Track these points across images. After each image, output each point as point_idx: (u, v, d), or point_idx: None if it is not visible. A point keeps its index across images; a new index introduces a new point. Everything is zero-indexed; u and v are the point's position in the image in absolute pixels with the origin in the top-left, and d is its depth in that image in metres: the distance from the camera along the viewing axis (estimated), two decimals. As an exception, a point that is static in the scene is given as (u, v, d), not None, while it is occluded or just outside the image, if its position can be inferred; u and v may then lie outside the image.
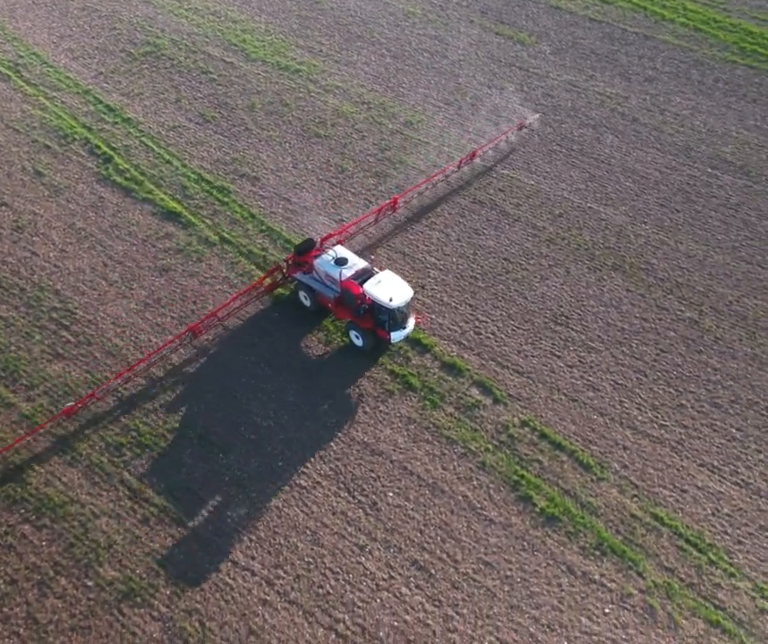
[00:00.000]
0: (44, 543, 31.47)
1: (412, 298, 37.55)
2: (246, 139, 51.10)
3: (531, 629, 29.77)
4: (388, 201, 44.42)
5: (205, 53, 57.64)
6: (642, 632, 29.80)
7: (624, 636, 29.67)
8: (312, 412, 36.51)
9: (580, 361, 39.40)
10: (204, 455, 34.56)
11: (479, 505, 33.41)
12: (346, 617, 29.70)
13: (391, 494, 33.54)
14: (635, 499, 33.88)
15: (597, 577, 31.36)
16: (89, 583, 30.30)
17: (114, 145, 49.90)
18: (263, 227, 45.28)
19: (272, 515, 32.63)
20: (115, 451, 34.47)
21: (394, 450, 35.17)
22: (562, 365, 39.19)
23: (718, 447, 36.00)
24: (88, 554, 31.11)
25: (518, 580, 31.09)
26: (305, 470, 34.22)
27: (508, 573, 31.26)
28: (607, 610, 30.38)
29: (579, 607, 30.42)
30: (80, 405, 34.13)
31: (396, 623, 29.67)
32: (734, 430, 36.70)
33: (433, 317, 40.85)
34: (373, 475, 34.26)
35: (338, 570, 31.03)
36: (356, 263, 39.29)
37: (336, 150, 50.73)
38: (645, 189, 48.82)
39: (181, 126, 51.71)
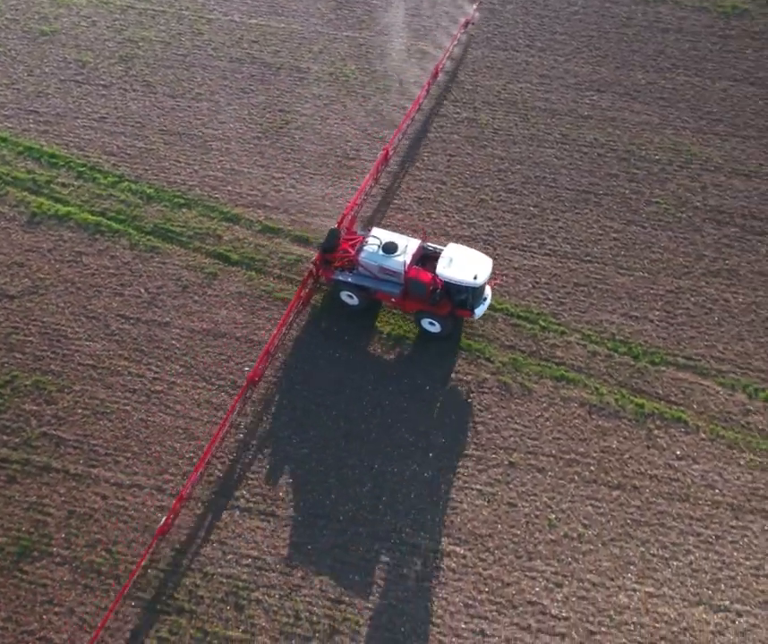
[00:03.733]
0: None
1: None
2: (-36, 58, 49.19)
3: (409, 439, 34.52)
4: (381, 154, 42.86)
5: None
6: (503, 407, 35.45)
7: (490, 415, 35.19)
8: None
9: (384, 191, 43.43)
10: (46, 395, 35.69)
11: (333, 342, 37.24)
12: (245, 492, 32.95)
13: (247, 368, 36.56)
14: (466, 297, 39.08)
15: (453, 376, 36.51)
16: (-23, 559, 31.46)
17: None
18: (20, 148, 44.79)
19: (139, 427, 34.72)
20: (-50, 425, 34.85)
21: (235, 327, 37.95)
22: (371, 199, 43.05)
23: (522, 228, 41.80)
24: (-37, 533, 32.04)
25: (387, 402, 35.56)
26: (157, 372, 36.34)
27: (386, 402, 35.58)
28: (469, 399, 35.71)
29: (447, 406, 35.48)
30: (173, 516, 31.83)
31: (298, 478, 33.41)
32: (532, 208, 42.62)
33: (230, 188, 43.13)
34: (224, 358, 36.99)
35: (222, 454, 33.97)
36: (407, 244, 36.50)
37: (69, 45, 50.16)
38: (389, 6, 52.78)
39: None
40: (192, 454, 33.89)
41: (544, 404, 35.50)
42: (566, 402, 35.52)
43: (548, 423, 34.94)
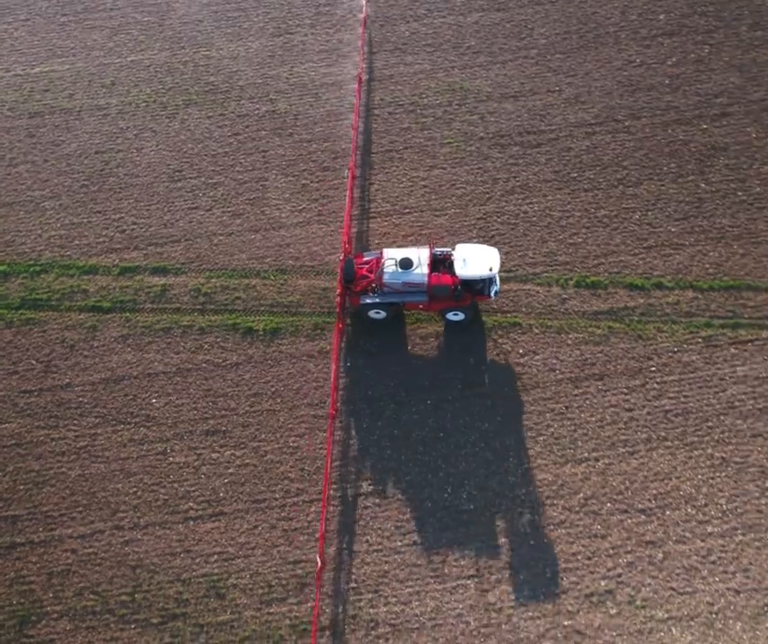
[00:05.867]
0: None
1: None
2: None
3: (311, 414, 43.82)
4: (349, 175, 49.89)
5: None
6: (375, 362, 45.35)
7: (368, 371, 44.93)
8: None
9: (213, 201, 51.44)
10: None
11: (220, 360, 45.56)
12: (191, 503, 41.39)
13: (154, 400, 44.39)
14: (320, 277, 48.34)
15: (327, 347, 45.87)
16: (-18, 641, 38.43)
17: None
18: None
19: (80, 482, 42.00)
20: None
21: (131, 368, 45.45)
22: (203, 212, 50.99)
23: (345, 198, 51.17)
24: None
25: (282, 388, 44.53)
26: (76, 430, 43.55)
27: (273, 390, 44.52)
28: (349, 363, 45.29)
29: (324, 377, 44.86)
30: (321, 573, 38.54)
31: (231, 476, 42.00)
32: (348, 179, 52.01)
33: (77, 242, 49.79)
34: (129, 397, 44.57)
35: (160, 479, 42.08)
36: (419, 254, 44.12)
37: None
38: (165, 16, 59.81)
39: None
40: (135, 488, 41.74)
41: (412, 347, 45.56)
42: (425, 338, 45.71)
43: (420, 362, 45.05)
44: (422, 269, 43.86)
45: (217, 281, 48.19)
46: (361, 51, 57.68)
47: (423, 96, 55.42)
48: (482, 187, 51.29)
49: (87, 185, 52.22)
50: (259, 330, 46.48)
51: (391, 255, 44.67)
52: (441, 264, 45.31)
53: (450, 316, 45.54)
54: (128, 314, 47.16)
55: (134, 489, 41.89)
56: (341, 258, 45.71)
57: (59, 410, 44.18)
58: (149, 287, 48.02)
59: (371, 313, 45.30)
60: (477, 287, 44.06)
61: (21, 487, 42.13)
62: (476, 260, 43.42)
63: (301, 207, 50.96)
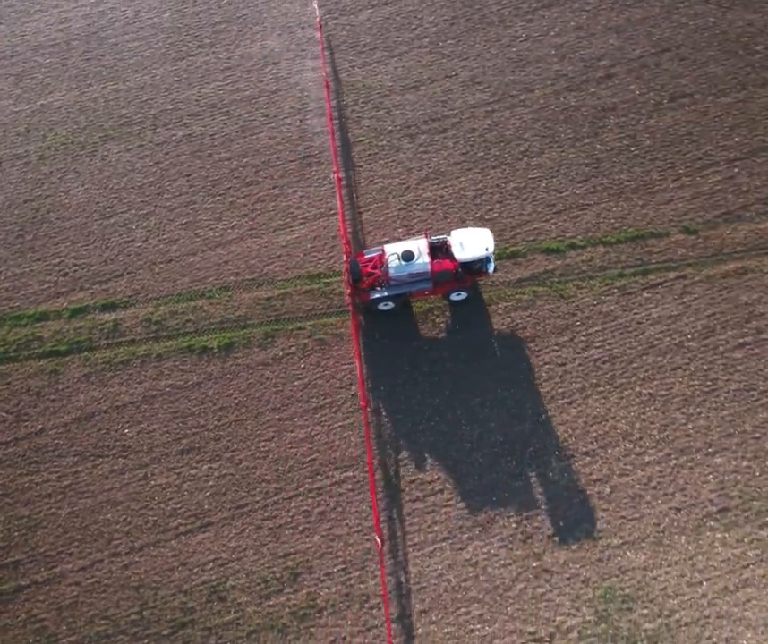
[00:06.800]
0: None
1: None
2: None
3: (276, 418, 48.47)
4: (336, 180, 53.76)
5: None
6: (327, 355, 50.13)
7: (322, 367, 49.76)
8: (21, 436, 48.68)
9: (147, 231, 55.18)
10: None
11: (182, 382, 49.67)
12: (180, 519, 45.64)
13: (127, 430, 48.34)
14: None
15: (280, 353, 50.44)
16: (6, 682, 42.19)
17: None
18: None
19: (71, 519, 45.83)
20: None
21: (99, 404, 49.23)
22: (140, 243, 54.77)
23: (272, 209, 55.53)
24: (-18, 671, 42.45)
25: (245, 398, 48.94)
26: (58, 471, 47.25)
27: (237, 401, 48.90)
28: (302, 365, 49.96)
29: (287, 376, 49.47)
30: (382, 551, 43.03)
31: (212, 488, 46.37)
32: (272, 190, 56.33)
33: (22, 292, 53.02)
34: (103, 431, 48.40)
35: (146, 503, 46.14)
36: (419, 244, 48.52)
37: None
38: (67, 55, 62.85)
39: None
40: (124, 515, 45.80)
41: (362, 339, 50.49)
42: (367, 329, 50.68)
43: (367, 353, 49.96)
44: (423, 259, 48.34)
45: (165, 307, 52.10)
46: (322, 55, 61.89)
47: (331, 98, 59.81)
48: (398, 178, 56.24)
49: (22, 235, 55.33)
50: (213, 348, 50.70)
51: (392, 250, 48.76)
52: (439, 251, 49.98)
53: (454, 296, 50.17)
54: (86, 353, 50.76)
55: (124, 516, 45.90)
56: (344, 259, 50.25)
57: (38, 455, 47.74)
58: (102, 324, 51.67)
59: (381, 306, 49.71)
60: (476, 267, 48.88)
61: (16, 533, 45.70)
62: (472, 243, 48.00)
63: (233, 224, 55.10)
